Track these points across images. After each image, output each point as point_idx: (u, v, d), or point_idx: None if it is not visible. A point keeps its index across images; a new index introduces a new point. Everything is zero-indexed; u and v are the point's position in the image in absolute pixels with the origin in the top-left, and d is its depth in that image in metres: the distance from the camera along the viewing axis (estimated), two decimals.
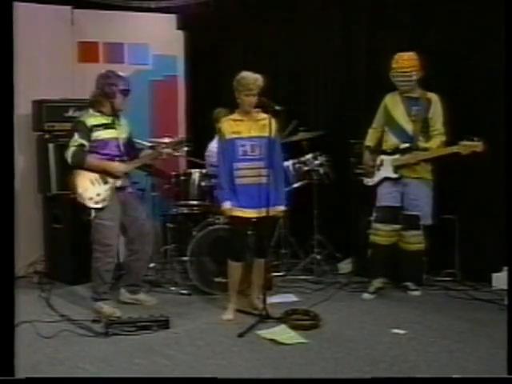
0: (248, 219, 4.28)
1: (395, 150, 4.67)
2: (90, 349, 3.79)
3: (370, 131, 4.88)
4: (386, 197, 4.69)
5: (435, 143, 4.58)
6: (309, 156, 5.21)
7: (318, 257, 5.34)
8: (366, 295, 4.77)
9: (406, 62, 4.56)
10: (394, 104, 4.72)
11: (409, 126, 4.65)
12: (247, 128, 4.29)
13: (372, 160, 4.82)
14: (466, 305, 4.60)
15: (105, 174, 4.37)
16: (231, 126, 4.30)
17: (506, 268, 4.63)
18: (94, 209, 4.33)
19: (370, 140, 4.87)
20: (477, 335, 3.94)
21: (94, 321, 4.21)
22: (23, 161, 5.41)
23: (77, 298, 4.81)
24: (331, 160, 5.25)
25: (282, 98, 4.98)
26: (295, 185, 5.18)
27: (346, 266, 5.45)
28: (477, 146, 4.30)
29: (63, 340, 3.92)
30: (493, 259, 4.83)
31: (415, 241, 4.71)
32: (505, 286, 4.51)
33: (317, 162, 5.17)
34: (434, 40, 5.15)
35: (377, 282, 4.81)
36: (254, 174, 4.28)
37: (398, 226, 4.67)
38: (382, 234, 4.69)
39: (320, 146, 5.27)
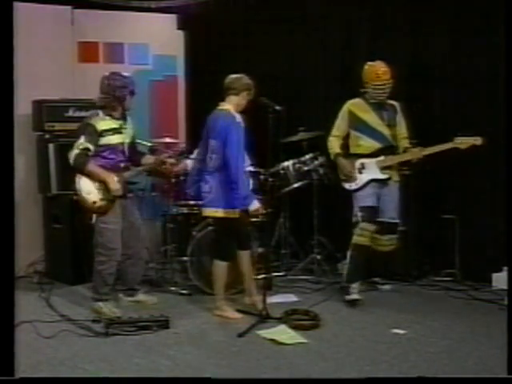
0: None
1: (378, 152, 4.63)
2: (90, 349, 3.79)
3: (332, 139, 4.76)
4: (369, 198, 4.65)
5: (405, 146, 4.65)
6: (309, 156, 5.21)
7: (318, 257, 5.33)
8: (354, 296, 4.68)
9: (385, 74, 4.52)
10: (362, 110, 4.67)
11: (385, 131, 4.64)
12: None
13: (351, 164, 4.71)
14: (466, 305, 4.60)
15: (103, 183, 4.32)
16: None
17: (506, 268, 4.63)
18: (97, 213, 4.33)
19: (336, 147, 4.75)
20: (477, 335, 3.95)
21: (94, 321, 4.21)
22: (23, 161, 5.40)
23: (77, 298, 4.81)
24: (331, 160, 5.24)
25: (281, 97, 4.98)
26: (295, 185, 5.18)
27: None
28: (476, 139, 4.33)
29: (63, 340, 3.92)
30: (493, 259, 4.83)
31: (390, 243, 4.77)
32: (505, 286, 4.51)
33: (317, 162, 5.16)
34: (434, 43, 5.17)
35: (356, 284, 4.72)
36: None
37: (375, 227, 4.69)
38: (366, 234, 4.62)
39: (320, 146, 5.26)
